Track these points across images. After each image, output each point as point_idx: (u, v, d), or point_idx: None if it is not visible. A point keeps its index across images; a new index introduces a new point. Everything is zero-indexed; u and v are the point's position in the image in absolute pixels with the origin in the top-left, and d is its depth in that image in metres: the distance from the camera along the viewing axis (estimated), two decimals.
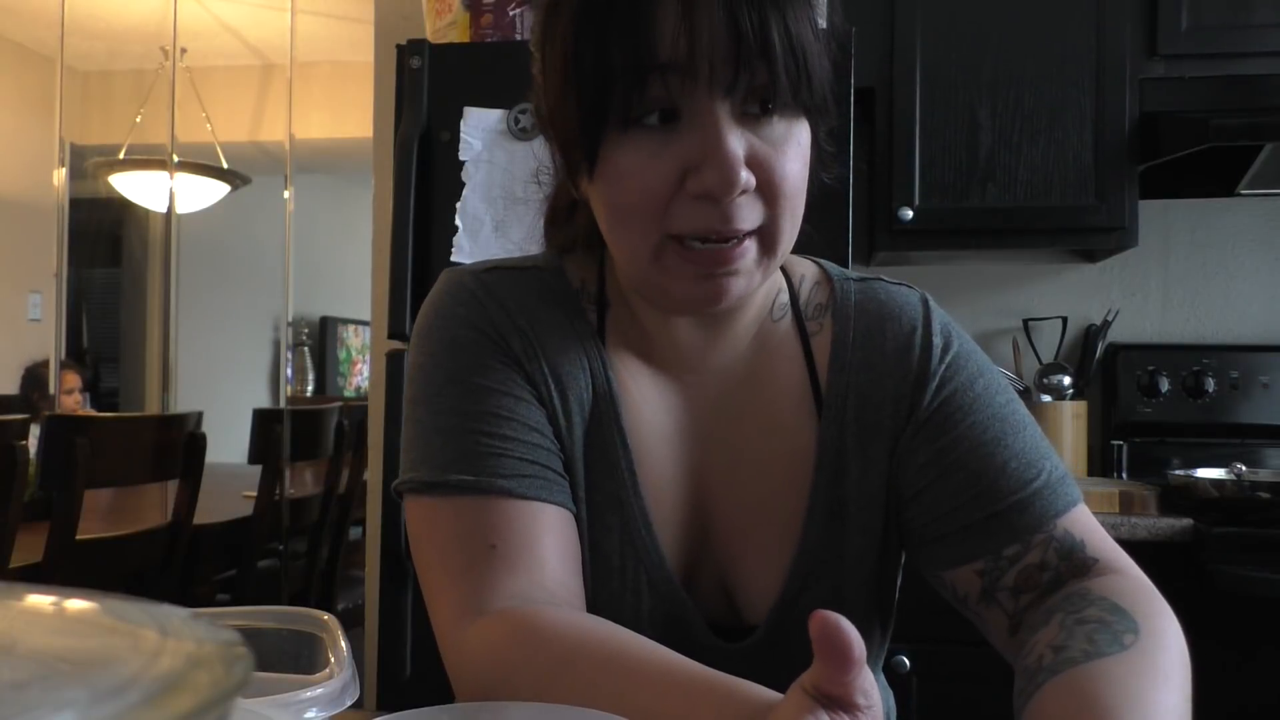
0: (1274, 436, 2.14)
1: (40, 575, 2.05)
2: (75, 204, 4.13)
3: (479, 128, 1.79)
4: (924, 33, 2.00)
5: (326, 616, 0.63)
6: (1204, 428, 2.15)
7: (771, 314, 0.79)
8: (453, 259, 1.77)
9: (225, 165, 4.43)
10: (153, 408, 4.68)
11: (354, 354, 6.51)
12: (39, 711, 0.20)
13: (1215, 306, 2.26)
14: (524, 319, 0.75)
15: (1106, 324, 2.19)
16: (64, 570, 2.06)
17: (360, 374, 6.49)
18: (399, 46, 1.84)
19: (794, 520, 0.76)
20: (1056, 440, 2.08)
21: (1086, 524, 0.72)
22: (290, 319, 4.55)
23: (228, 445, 3.56)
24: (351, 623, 2.72)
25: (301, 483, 3.48)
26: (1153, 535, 1.67)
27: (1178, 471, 1.89)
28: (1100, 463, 2.21)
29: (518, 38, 1.91)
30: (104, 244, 5.16)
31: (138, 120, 4.41)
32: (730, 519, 0.77)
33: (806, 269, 0.83)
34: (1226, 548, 1.63)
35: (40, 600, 0.29)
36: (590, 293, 0.79)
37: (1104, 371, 2.23)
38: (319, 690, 0.52)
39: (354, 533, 3.18)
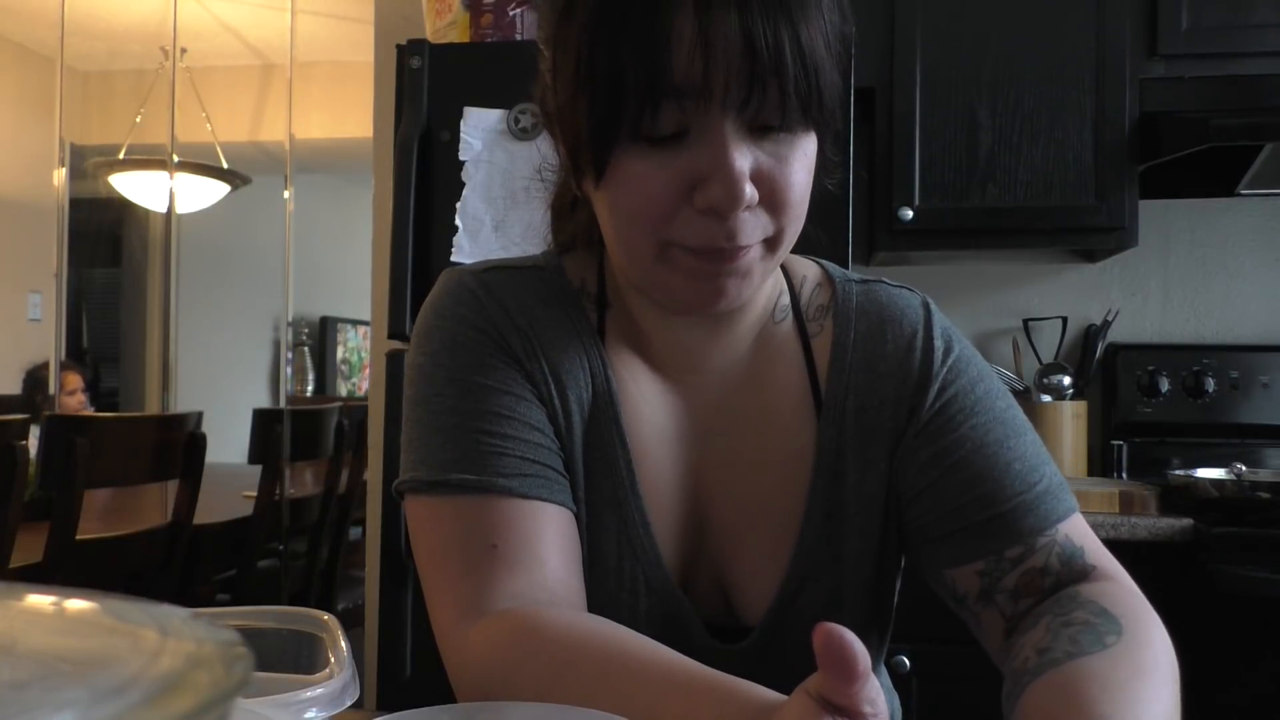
0: (1274, 436, 2.14)
1: (40, 575, 2.05)
2: (75, 204, 4.13)
3: (479, 128, 1.79)
4: (924, 33, 2.00)
5: (326, 616, 0.63)
6: (1204, 428, 2.15)
7: (773, 316, 0.79)
8: (453, 259, 1.77)
9: (225, 165, 4.42)
10: (153, 408, 4.68)
11: (365, 357, 6.49)
12: (39, 711, 0.20)
13: (1215, 306, 2.26)
14: (524, 318, 0.75)
15: (1106, 324, 2.19)
16: (64, 570, 2.06)
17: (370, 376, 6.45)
18: (399, 46, 1.84)
19: (792, 522, 0.76)
20: (1056, 440, 2.08)
21: (1084, 532, 0.73)
22: (290, 319, 4.55)
23: (228, 445, 3.56)
24: (351, 623, 2.72)
25: (301, 483, 3.48)
26: (1153, 535, 1.67)
27: (1178, 471, 1.89)
28: (1100, 463, 2.21)
29: (518, 38, 1.91)
30: (104, 244, 5.15)
31: (138, 120, 4.41)
32: (728, 519, 0.77)
33: (808, 270, 0.83)
34: (1226, 548, 1.63)
35: (40, 600, 0.29)
36: (590, 292, 0.79)
37: (1104, 371, 2.23)
38: (319, 690, 0.52)
39: (354, 533, 3.18)
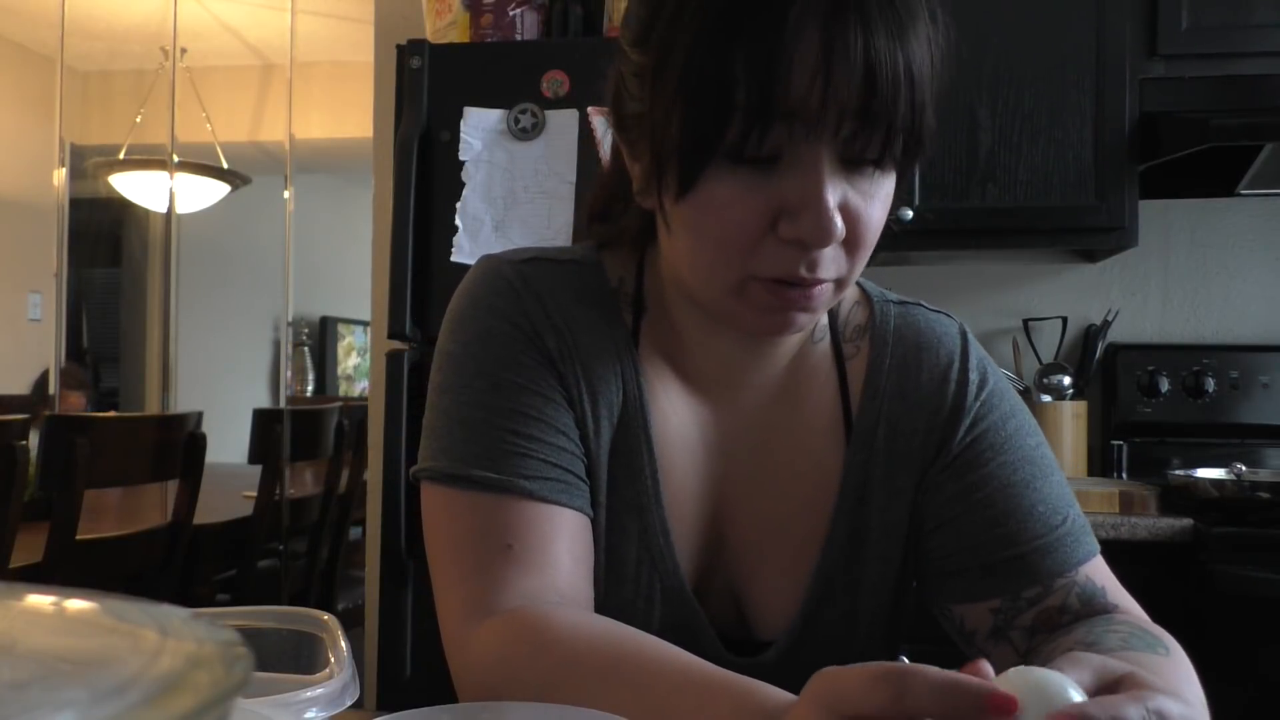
0: (1274, 436, 2.14)
1: (40, 575, 2.05)
2: (75, 204, 4.13)
3: (479, 128, 1.79)
4: None
5: (326, 616, 0.63)
6: (1204, 428, 2.15)
7: (812, 335, 0.78)
8: (453, 259, 1.78)
9: (225, 165, 4.42)
10: (153, 408, 4.68)
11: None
12: (39, 711, 0.20)
13: (1215, 306, 2.26)
14: (561, 317, 0.74)
15: (1106, 324, 2.19)
16: (64, 570, 2.06)
17: None
18: (399, 46, 1.84)
19: (813, 542, 0.75)
20: (1056, 440, 2.08)
21: (1106, 573, 0.73)
22: (290, 319, 4.55)
23: (228, 445, 3.56)
24: (351, 623, 2.72)
25: (301, 483, 3.48)
26: (1153, 535, 1.67)
27: (1178, 471, 1.89)
28: (1100, 463, 2.21)
29: (518, 38, 1.91)
30: (104, 244, 5.15)
31: (138, 120, 4.41)
32: (749, 535, 0.76)
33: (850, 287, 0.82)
34: (1226, 548, 1.63)
35: (40, 600, 0.29)
36: (627, 293, 0.77)
37: (1104, 371, 2.23)
38: (319, 690, 0.52)
39: (354, 533, 3.17)
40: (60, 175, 4.04)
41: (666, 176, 0.64)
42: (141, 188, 4.32)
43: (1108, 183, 1.94)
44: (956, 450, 0.75)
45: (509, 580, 0.66)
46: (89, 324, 5.33)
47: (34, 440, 2.28)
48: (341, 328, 6.48)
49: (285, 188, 4.01)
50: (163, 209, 4.37)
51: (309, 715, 0.51)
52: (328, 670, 0.59)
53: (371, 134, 2.35)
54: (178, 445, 2.43)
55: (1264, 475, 1.82)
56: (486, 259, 0.78)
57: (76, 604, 0.28)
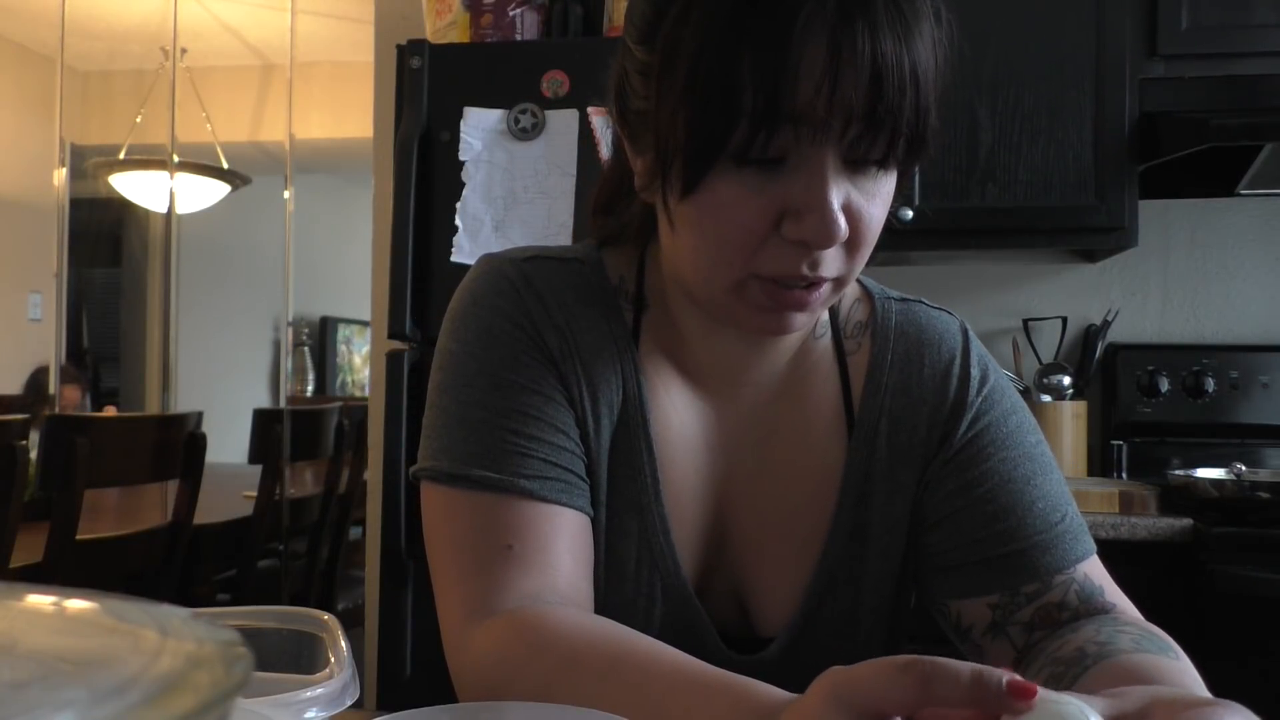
0: (1274, 436, 2.14)
1: (40, 575, 2.05)
2: (75, 204, 4.13)
3: (479, 128, 1.79)
4: None
5: (326, 616, 0.63)
6: (1204, 428, 2.15)
7: (813, 332, 0.78)
8: (453, 259, 1.78)
9: (225, 165, 4.42)
10: (153, 408, 4.68)
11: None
12: (39, 711, 0.20)
13: (1215, 306, 2.26)
14: (562, 316, 0.74)
15: (1106, 324, 2.19)
16: (64, 570, 2.06)
17: None
18: (399, 46, 1.84)
19: (815, 539, 0.75)
20: (1056, 440, 2.08)
21: (1102, 573, 0.73)
22: (290, 319, 4.55)
23: (228, 445, 3.56)
24: (351, 623, 2.72)
25: (301, 483, 3.48)
26: (1153, 535, 1.67)
27: (1178, 471, 1.89)
28: (1100, 463, 2.21)
29: (518, 38, 1.91)
30: (104, 244, 5.15)
31: (138, 120, 4.41)
32: (749, 532, 0.76)
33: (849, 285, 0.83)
34: (1226, 548, 1.63)
35: (40, 600, 0.29)
36: (628, 291, 0.77)
37: (1104, 371, 2.23)
38: (319, 690, 0.52)
39: (354, 533, 3.17)
40: (60, 175, 4.04)
41: (671, 175, 0.64)
42: (141, 188, 4.32)
43: (1108, 183, 1.94)
44: (958, 445, 0.75)
45: (509, 580, 0.66)
46: (89, 324, 5.33)
47: (34, 440, 2.28)
48: (354, 333, 6.47)
49: (285, 188, 4.01)
50: (163, 209, 4.37)
51: (309, 715, 0.51)
52: (328, 670, 0.59)
53: (371, 134, 2.35)
54: (178, 445, 2.43)
55: (1264, 475, 1.82)
56: (487, 258, 0.78)
57: (76, 604, 0.28)
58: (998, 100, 1.98)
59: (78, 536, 2.12)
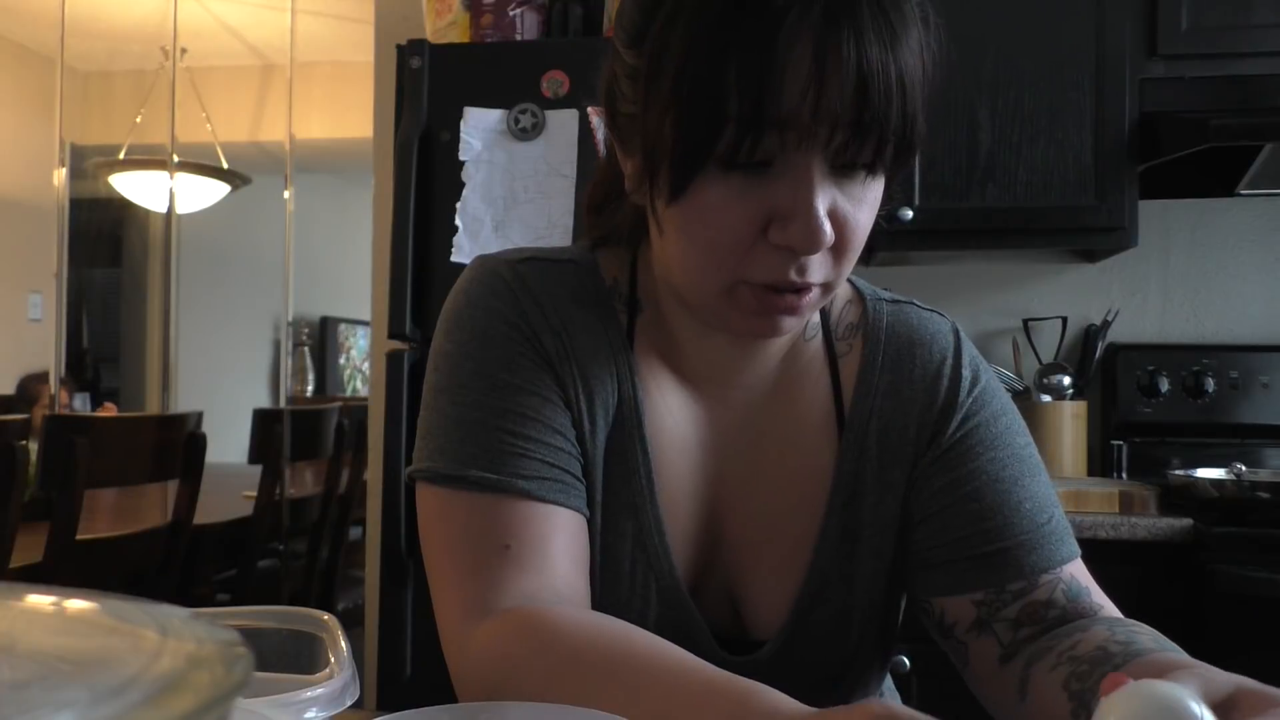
0: (1274, 436, 2.14)
1: (40, 575, 2.05)
2: (75, 204, 4.13)
3: (479, 128, 1.79)
4: None
5: (326, 616, 0.63)
6: (1204, 428, 2.15)
7: (804, 333, 0.79)
8: (453, 259, 1.78)
9: (225, 165, 4.43)
10: (153, 408, 4.68)
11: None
12: (39, 711, 0.20)
13: (1215, 306, 2.26)
14: (557, 317, 0.74)
15: (1106, 324, 2.19)
16: (64, 570, 2.06)
17: None
18: (399, 46, 1.84)
19: (807, 540, 0.76)
20: (1056, 440, 2.08)
21: (1088, 575, 0.73)
22: (290, 319, 4.55)
23: (228, 445, 3.56)
24: (351, 623, 2.72)
25: (301, 483, 3.48)
26: (1153, 535, 1.67)
27: (1178, 471, 1.89)
28: (1100, 463, 2.21)
29: (518, 38, 1.91)
30: (104, 244, 5.15)
31: (138, 120, 4.41)
32: (743, 533, 0.76)
33: (841, 287, 0.83)
34: (1226, 548, 1.63)
35: (40, 600, 0.29)
36: (622, 292, 0.78)
37: (1104, 371, 2.23)
38: (319, 690, 0.52)
39: (354, 533, 3.18)
40: (60, 175, 4.04)
41: (658, 179, 0.64)
42: (141, 188, 4.32)
43: (1107, 183, 1.94)
44: (947, 444, 0.75)
45: (507, 580, 0.66)
46: (89, 324, 5.32)
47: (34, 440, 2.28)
48: (359, 333, 6.47)
49: (285, 188, 4.01)
50: (163, 209, 4.37)
51: (309, 715, 0.51)
52: (328, 670, 0.59)
53: (371, 134, 2.35)
54: (178, 445, 2.43)
55: (1264, 475, 1.82)
56: (482, 259, 0.78)
57: (76, 604, 0.28)
58: (998, 100, 1.98)
59: (78, 536, 2.12)
